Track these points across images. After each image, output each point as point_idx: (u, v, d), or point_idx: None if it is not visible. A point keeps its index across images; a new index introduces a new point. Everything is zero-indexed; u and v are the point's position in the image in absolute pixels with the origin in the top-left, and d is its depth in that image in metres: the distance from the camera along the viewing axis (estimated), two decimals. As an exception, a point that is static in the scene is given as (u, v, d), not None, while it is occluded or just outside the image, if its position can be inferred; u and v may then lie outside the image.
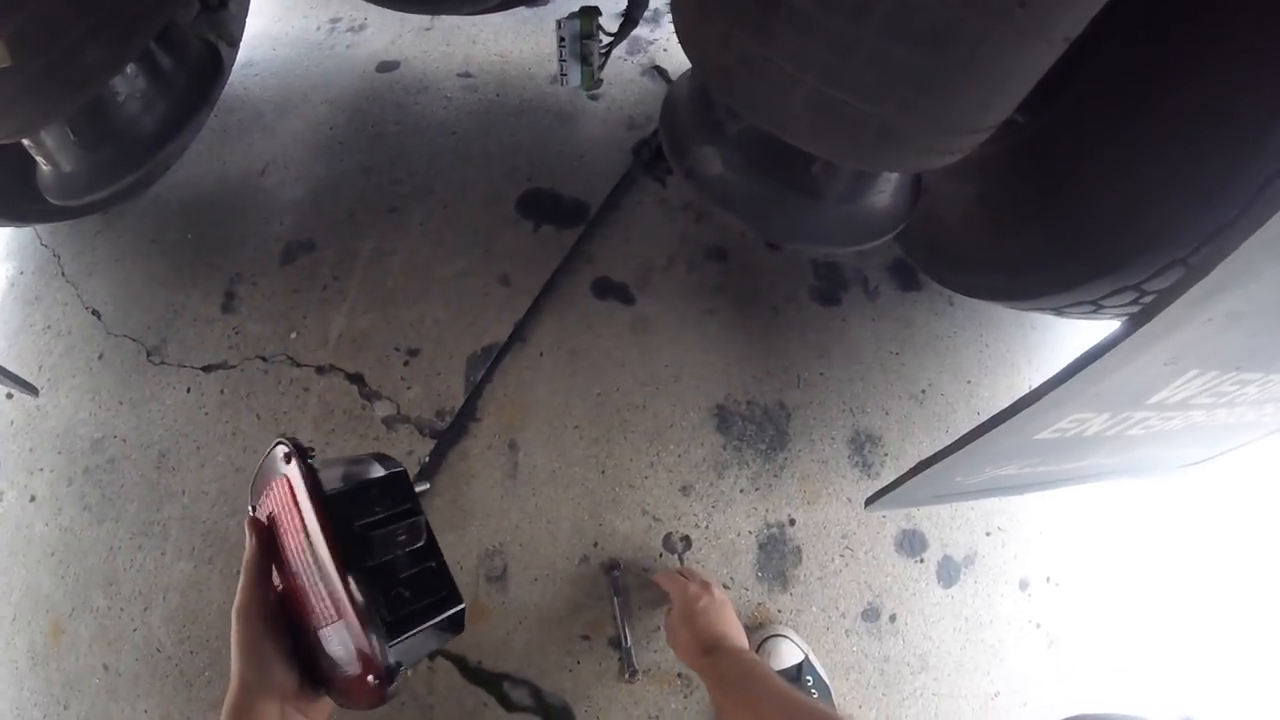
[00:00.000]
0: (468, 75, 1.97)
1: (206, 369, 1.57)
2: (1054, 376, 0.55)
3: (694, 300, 1.58)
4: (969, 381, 1.54)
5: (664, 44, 2.03)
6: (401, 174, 1.77)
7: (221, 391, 1.53)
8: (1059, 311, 1.15)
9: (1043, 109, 1.06)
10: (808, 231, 1.02)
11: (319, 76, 2.01)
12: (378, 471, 0.65)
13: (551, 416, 1.46)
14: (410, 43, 2.07)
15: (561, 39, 0.44)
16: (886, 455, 1.45)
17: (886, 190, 1.02)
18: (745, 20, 0.74)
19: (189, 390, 1.55)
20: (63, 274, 1.79)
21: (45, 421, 1.61)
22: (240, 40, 1.83)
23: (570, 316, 1.54)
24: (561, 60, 0.42)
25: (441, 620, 0.59)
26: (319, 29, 2.16)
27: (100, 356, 1.64)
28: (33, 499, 1.55)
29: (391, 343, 1.54)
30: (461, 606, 0.60)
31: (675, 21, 0.90)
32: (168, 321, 1.64)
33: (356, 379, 1.51)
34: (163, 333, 1.63)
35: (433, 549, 0.63)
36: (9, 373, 1.12)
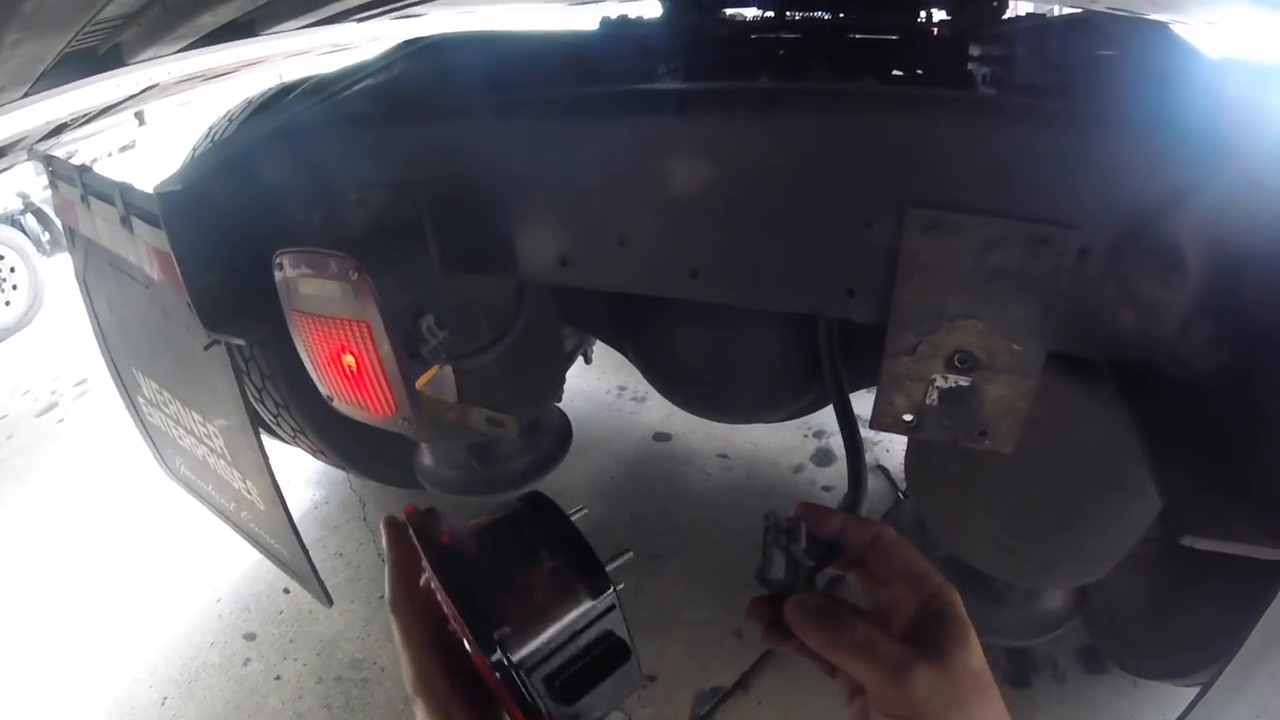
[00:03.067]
0: (725, 457, 2.45)
1: None
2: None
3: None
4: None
5: (887, 445, 2.40)
6: (664, 528, 2.19)
7: None
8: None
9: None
10: (991, 628, 1.37)
11: (606, 432, 2.59)
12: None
13: (759, 761, 1.60)
14: (681, 420, 2.49)
15: (768, 528, 0.59)
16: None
17: (1053, 599, 1.39)
18: (951, 489, 1.21)
19: None
20: (364, 519, 2.21)
21: (312, 625, 1.88)
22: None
23: (791, 674, 1.77)
24: (766, 545, 0.56)
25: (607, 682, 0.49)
26: (609, 392, 2.82)
27: (382, 597, 1.93)
28: (278, 678, 1.76)
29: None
30: (631, 660, 0.49)
31: (907, 477, 1.36)
32: None
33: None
34: None
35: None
36: (318, 575, 1.44)
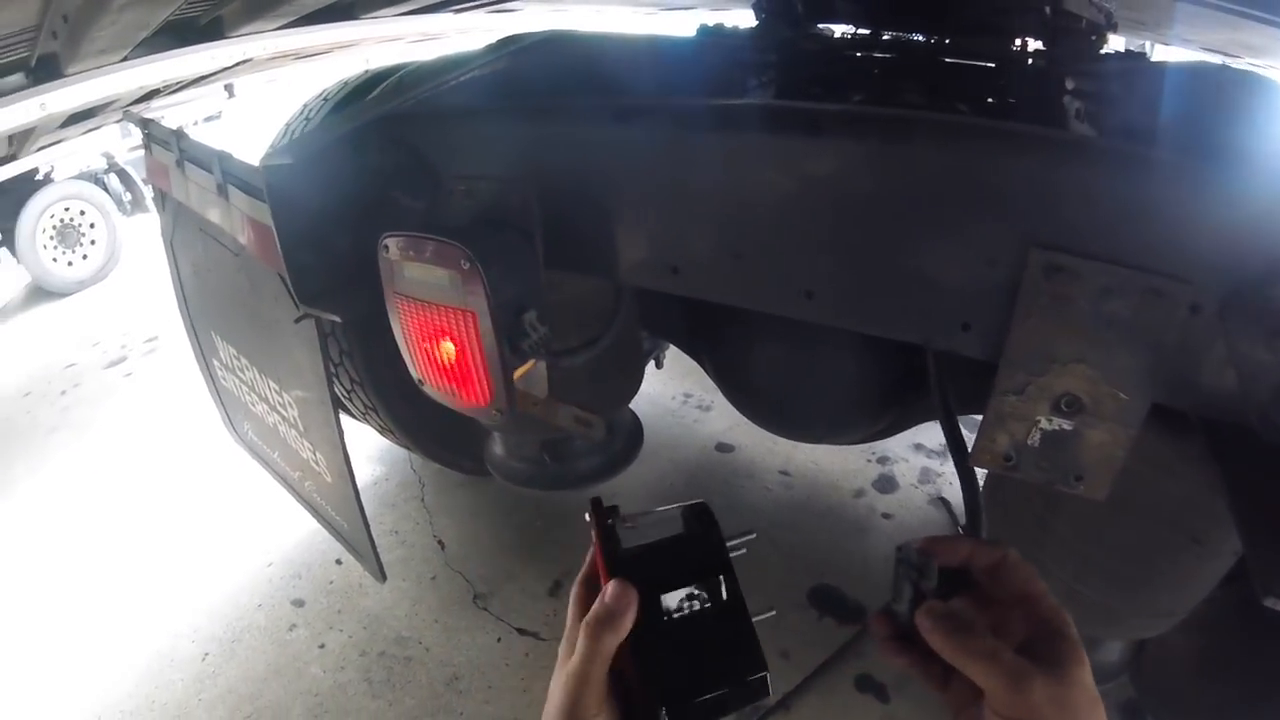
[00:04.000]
0: (786, 474, 2.42)
1: (521, 631, 1.88)
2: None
3: (940, 713, 1.75)
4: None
5: (949, 478, 2.36)
6: None
7: (526, 654, 1.81)
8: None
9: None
10: None
11: (669, 438, 2.59)
12: (680, 527, 0.65)
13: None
14: (744, 433, 2.54)
15: (900, 560, 0.61)
16: None
17: (1112, 650, 1.40)
18: (1027, 531, 1.20)
19: (499, 640, 1.85)
20: (422, 499, 2.25)
21: (362, 599, 1.91)
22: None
23: (831, 700, 1.75)
24: (897, 578, 0.58)
25: (733, 689, 0.53)
26: (674, 398, 2.83)
27: (433, 578, 1.99)
28: (321, 646, 1.80)
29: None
30: (763, 674, 0.54)
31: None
32: (500, 580, 2.02)
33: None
34: (493, 586, 2.00)
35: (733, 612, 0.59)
36: (376, 551, 1.45)
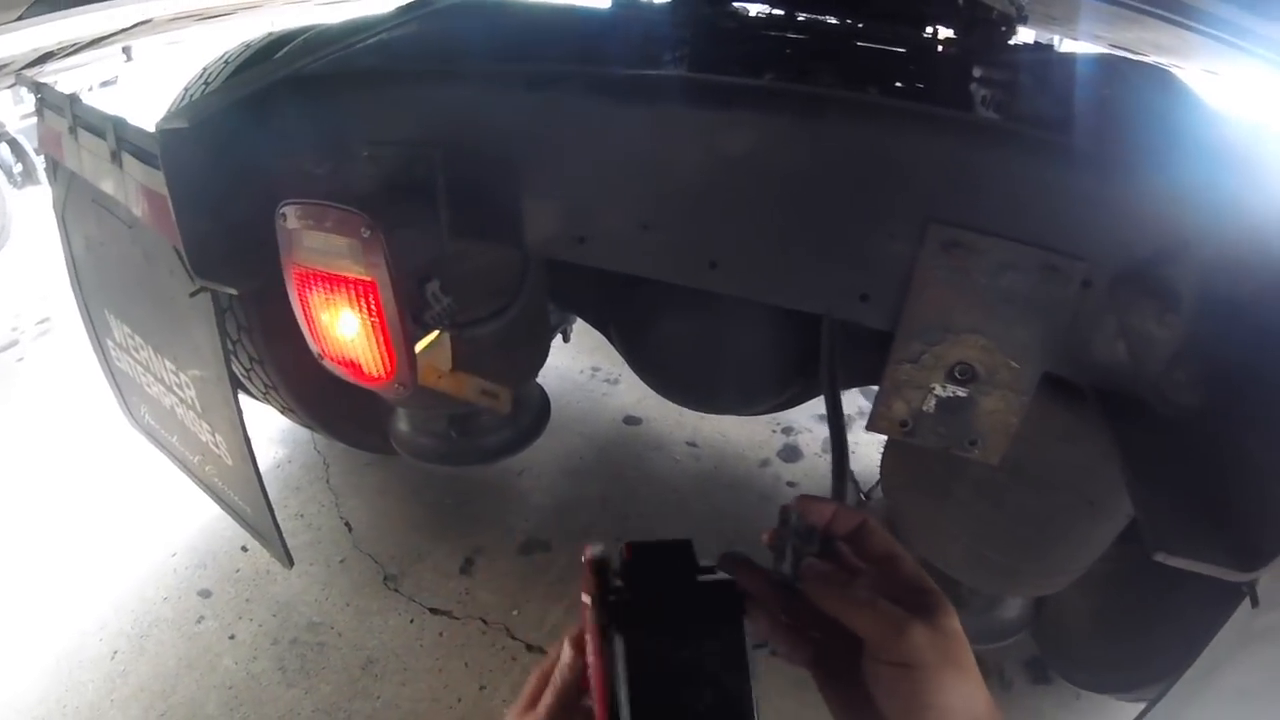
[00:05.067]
0: (694, 445, 2.44)
1: (434, 611, 1.84)
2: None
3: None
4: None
5: (853, 445, 2.35)
6: (630, 511, 2.19)
7: (440, 634, 1.78)
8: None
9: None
10: None
11: (577, 412, 2.58)
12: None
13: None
14: (653, 406, 2.52)
15: (784, 522, 0.54)
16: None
17: (1012, 607, 1.46)
18: (928, 494, 1.25)
19: (412, 621, 1.81)
20: (327, 481, 2.18)
21: (270, 586, 1.85)
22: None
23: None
24: (780, 540, 0.57)
25: None
26: (582, 372, 2.81)
27: (342, 561, 1.93)
28: (232, 637, 1.73)
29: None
30: None
31: (884, 481, 1.39)
32: (411, 560, 1.97)
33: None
34: (403, 566, 1.95)
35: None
36: (281, 535, 1.41)
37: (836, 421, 0.88)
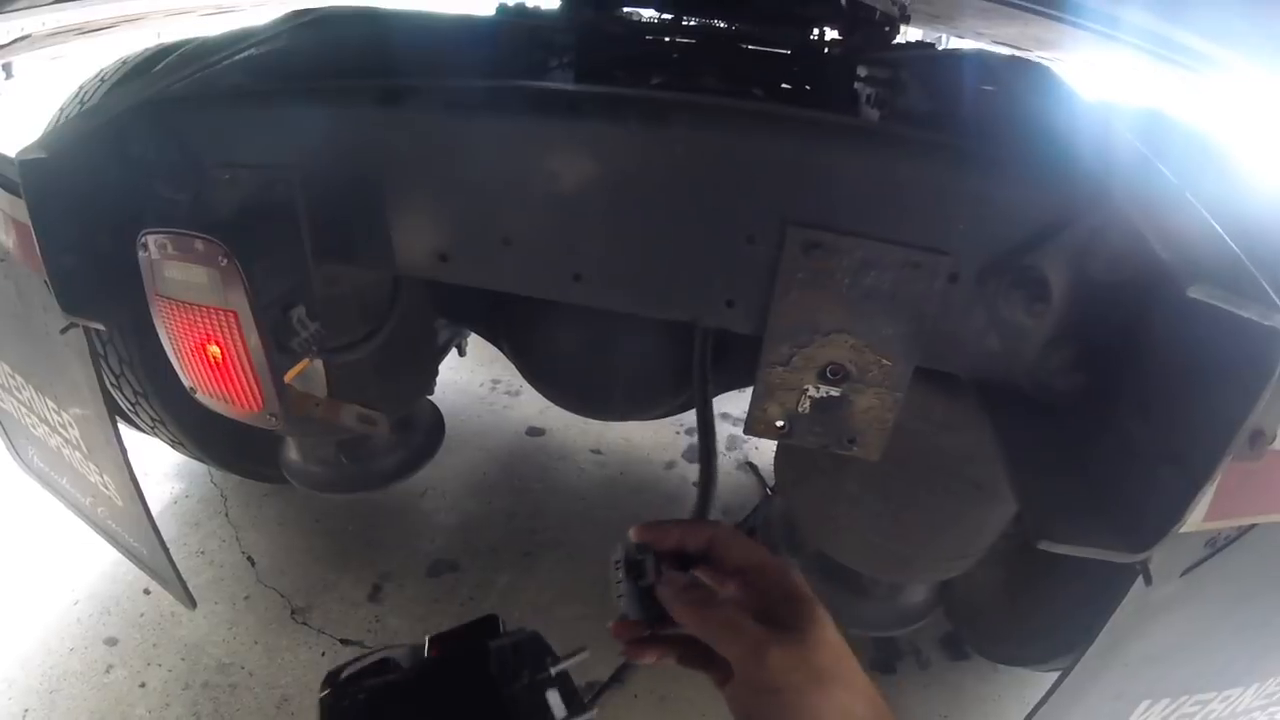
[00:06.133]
0: (599, 452, 2.45)
1: (344, 642, 1.79)
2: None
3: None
4: (1013, 739, 1.70)
5: (755, 443, 2.43)
6: (538, 525, 2.17)
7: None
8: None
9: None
10: (858, 620, 1.46)
11: (479, 426, 2.55)
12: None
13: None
14: (555, 416, 2.49)
15: (616, 565, 0.56)
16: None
17: (917, 592, 1.49)
18: (820, 489, 1.28)
19: (324, 654, 1.76)
20: (226, 515, 2.11)
21: (176, 629, 1.78)
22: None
23: (665, 669, 1.77)
24: (615, 585, 0.57)
25: None
26: (482, 385, 2.78)
27: (246, 598, 1.87)
28: (142, 685, 1.66)
29: (514, 660, 1.77)
30: None
31: (776, 474, 1.43)
32: (317, 591, 1.91)
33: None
34: (310, 599, 1.89)
35: None
36: (179, 576, 1.37)
37: (706, 430, 0.89)
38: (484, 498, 2.26)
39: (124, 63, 1.66)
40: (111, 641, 1.78)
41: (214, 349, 0.86)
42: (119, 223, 1.00)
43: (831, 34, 1.92)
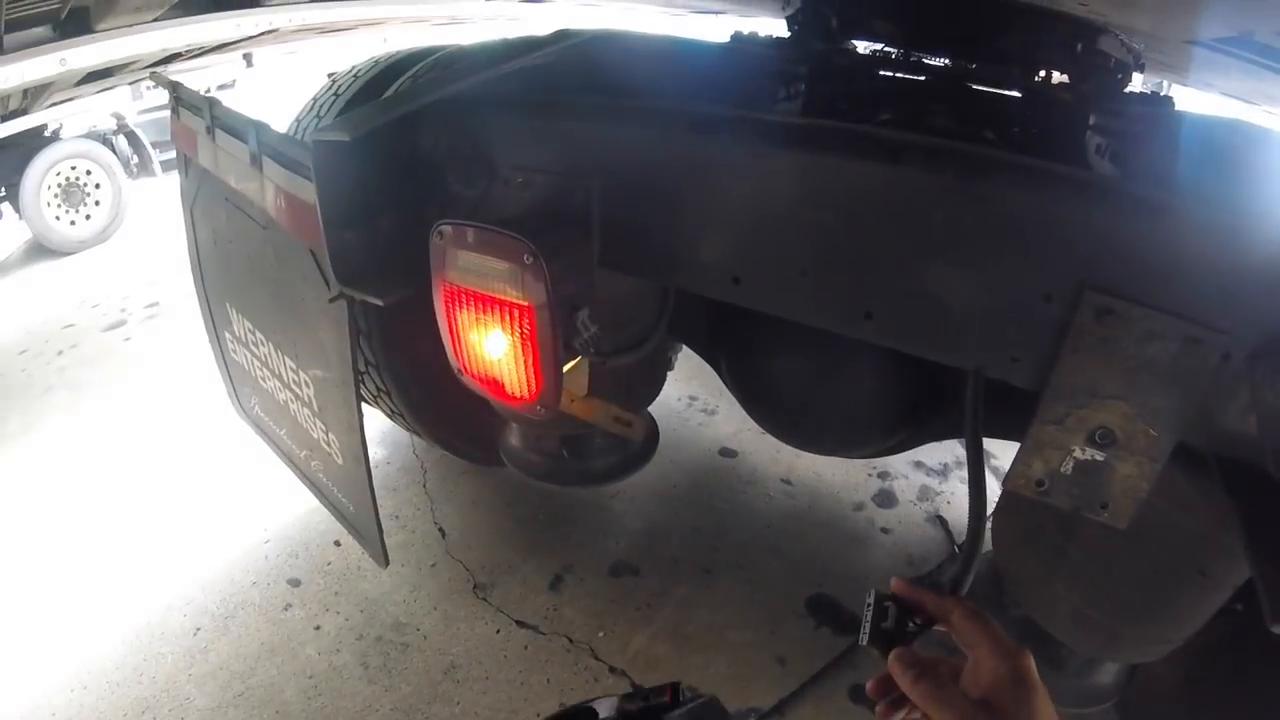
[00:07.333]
0: (788, 483, 2.42)
1: (520, 624, 1.87)
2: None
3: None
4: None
5: (948, 497, 2.39)
6: (721, 544, 2.17)
7: (525, 647, 1.81)
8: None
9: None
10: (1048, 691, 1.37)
11: (674, 439, 2.56)
12: None
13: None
14: (749, 439, 2.55)
15: (867, 604, 0.63)
16: None
17: (1108, 673, 1.42)
18: (1041, 554, 1.23)
19: (498, 632, 1.84)
20: (424, 485, 2.23)
21: (360, 582, 1.89)
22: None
23: (825, 708, 1.76)
24: (864, 618, 0.65)
25: None
26: (679, 400, 2.81)
27: (433, 565, 1.97)
28: (317, 628, 1.78)
29: (680, 674, 1.77)
30: None
31: (995, 537, 1.37)
32: (501, 571, 2.01)
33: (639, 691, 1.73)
34: (494, 577, 1.99)
35: None
36: (382, 536, 1.43)
37: (977, 477, 0.87)
38: (671, 509, 2.28)
39: (376, 62, 1.82)
40: (295, 582, 1.94)
41: (500, 338, 0.92)
42: (401, 208, 1.09)
43: (1060, 78, 1.83)
